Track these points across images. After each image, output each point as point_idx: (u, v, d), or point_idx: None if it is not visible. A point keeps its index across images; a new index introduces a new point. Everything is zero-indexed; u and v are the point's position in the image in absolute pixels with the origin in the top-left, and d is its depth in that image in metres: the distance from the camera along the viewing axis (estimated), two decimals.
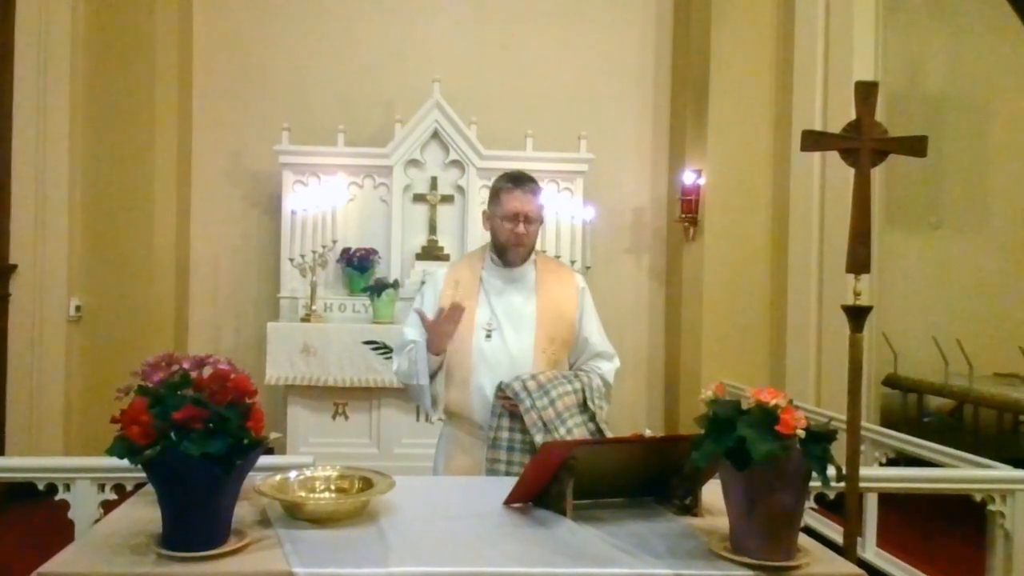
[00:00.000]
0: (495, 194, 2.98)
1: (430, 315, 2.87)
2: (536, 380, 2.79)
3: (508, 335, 2.91)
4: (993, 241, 7.19)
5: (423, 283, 3.35)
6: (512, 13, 7.06)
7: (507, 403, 2.79)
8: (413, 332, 2.98)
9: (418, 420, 5.92)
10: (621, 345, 6.73)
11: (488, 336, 2.91)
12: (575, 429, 2.77)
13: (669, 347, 7.13)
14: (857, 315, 2.79)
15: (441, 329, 2.80)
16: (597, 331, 3.07)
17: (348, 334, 5.96)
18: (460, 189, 6.53)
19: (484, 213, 3.05)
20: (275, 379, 5.88)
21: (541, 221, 3.01)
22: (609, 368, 3.04)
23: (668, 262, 7.16)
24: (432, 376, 2.89)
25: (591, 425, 2.83)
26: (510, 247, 2.94)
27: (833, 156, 3.02)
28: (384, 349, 5.78)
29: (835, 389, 5.30)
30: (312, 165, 6.44)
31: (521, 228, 2.90)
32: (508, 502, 2.24)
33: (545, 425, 2.72)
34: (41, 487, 3.23)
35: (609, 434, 2.85)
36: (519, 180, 2.95)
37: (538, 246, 6.21)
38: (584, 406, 2.84)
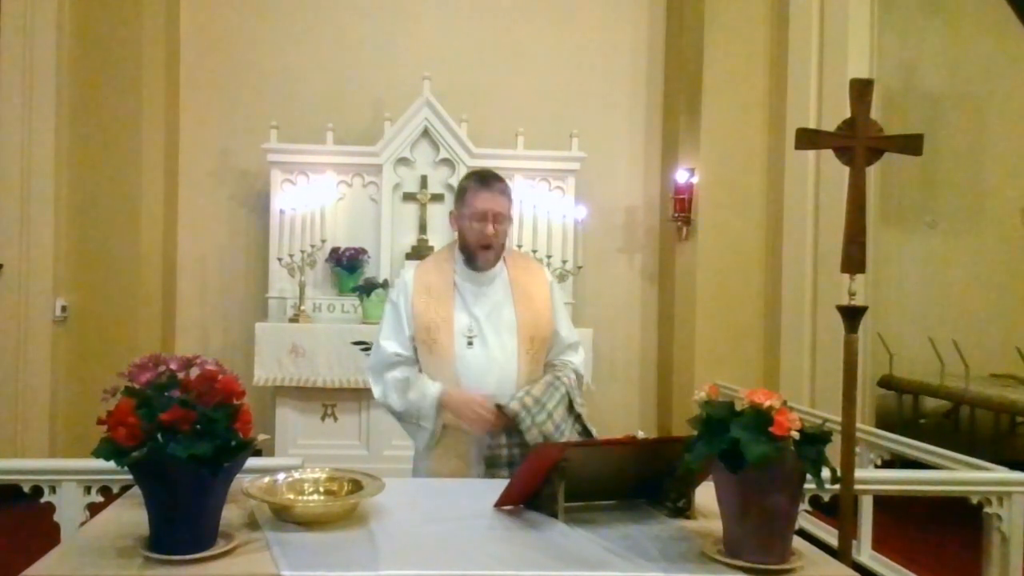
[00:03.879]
0: (461, 193, 2.91)
1: (404, 321, 2.88)
2: (531, 395, 2.76)
3: (490, 340, 2.85)
4: (990, 240, 7.16)
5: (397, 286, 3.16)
6: (503, 10, 7.04)
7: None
8: (394, 344, 2.91)
9: None
10: (613, 345, 6.89)
11: (470, 343, 2.85)
12: (569, 435, 2.77)
13: (662, 347, 7.11)
14: (852, 315, 2.78)
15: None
16: (566, 323, 3.05)
17: (337, 335, 5.93)
18: (450, 188, 6.46)
19: (451, 214, 2.98)
20: (263, 380, 5.85)
21: (510, 221, 2.94)
22: (580, 360, 3.02)
23: (661, 261, 7.14)
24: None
25: (578, 427, 2.83)
26: (479, 250, 2.86)
27: (828, 155, 3.02)
28: None
29: (830, 390, 5.29)
30: (301, 164, 6.40)
31: (490, 228, 2.82)
32: (499, 504, 2.22)
33: (547, 439, 2.69)
34: (26, 489, 3.20)
35: (595, 432, 2.84)
36: (486, 179, 2.88)
37: (530, 246, 6.27)
38: (571, 408, 2.83)
